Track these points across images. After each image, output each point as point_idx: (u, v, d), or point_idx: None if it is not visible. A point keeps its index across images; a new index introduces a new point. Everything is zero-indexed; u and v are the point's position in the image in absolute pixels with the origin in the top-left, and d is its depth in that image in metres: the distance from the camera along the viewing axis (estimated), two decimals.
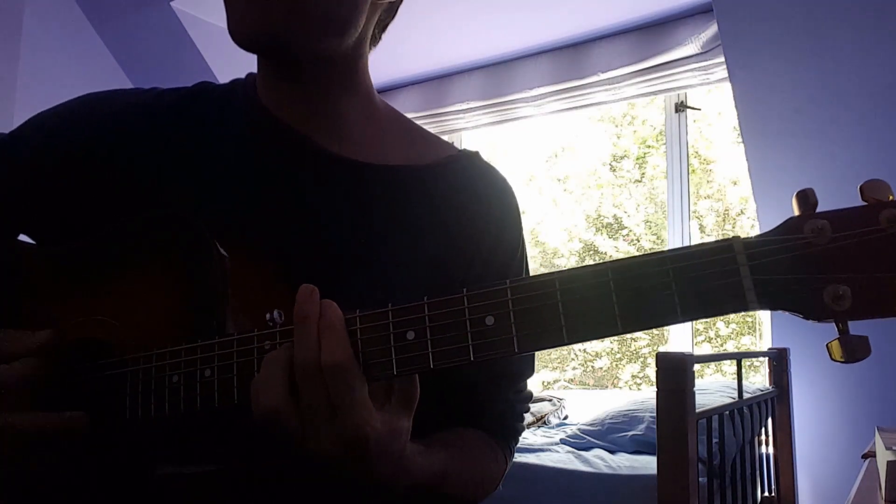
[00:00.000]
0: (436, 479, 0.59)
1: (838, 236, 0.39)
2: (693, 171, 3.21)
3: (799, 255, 0.40)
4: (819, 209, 0.40)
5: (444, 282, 0.68)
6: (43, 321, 0.64)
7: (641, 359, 4.83)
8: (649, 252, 0.44)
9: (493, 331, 0.47)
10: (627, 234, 4.86)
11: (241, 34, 0.62)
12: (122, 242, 0.63)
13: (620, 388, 4.79)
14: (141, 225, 0.62)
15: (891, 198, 0.38)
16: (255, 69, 0.74)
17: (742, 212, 4.53)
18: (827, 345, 0.39)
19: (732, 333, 4.62)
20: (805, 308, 0.39)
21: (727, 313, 0.41)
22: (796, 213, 0.41)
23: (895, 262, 0.37)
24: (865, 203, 0.39)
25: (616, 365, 4.93)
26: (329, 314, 0.49)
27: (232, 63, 3.16)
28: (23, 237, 0.72)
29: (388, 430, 0.50)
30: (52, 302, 0.65)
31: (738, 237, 0.41)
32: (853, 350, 0.38)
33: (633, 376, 4.84)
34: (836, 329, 0.39)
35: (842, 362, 0.38)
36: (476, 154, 0.78)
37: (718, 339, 4.65)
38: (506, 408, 0.75)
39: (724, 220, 4.63)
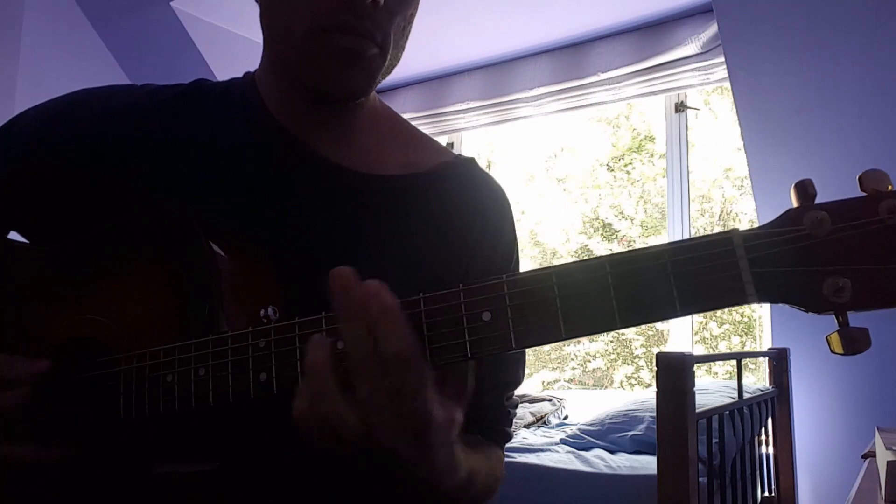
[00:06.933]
0: (471, 478, 0.57)
1: (837, 228, 0.38)
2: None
3: (798, 248, 0.39)
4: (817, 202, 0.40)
5: (437, 288, 0.67)
6: (35, 321, 0.64)
7: (635, 359, 4.82)
8: (647, 246, 0.43)
9: (489, 326, 0.46)
10: (624, 236, 4.86)
11: (331, 91, 0.64)
12: (113, 241, 0.62)
13: (615, 388, 4.79)
14: (133, 223, 0.61)
15: (890, 188, 0.38)
16: (253, 68, 0.74)
17: (737, 213, 4.53)
18: (826, 337, 0.39)
19: (724, 333, 4.61)
20: (804, 301, 0.39)
21: (726, 306, 0.40)
22: (795, 204, 0.40)
23: (895, 254, 0.37)
24: (865, 194, 0.39)
25: (611, 366, 4.92)
26: (383, 299, 0.46)
27: (232, 63, 3.17)
28: (15, 235, 0.72)
29: (445, 417, 0.48)
30: (44, 301, 0.64)
31: (737, 230, 0.41)
32: (853, 342, 0.38)
33: (627, 377, 4.84)
34: (836, 321, 0.39)
35: (841, 354, 0.38)
36: (472, 160, 0.78)
37: (712, 340, 4.65)
38: (500, 413, 0.76)
39: (720, 219, 4.63)
